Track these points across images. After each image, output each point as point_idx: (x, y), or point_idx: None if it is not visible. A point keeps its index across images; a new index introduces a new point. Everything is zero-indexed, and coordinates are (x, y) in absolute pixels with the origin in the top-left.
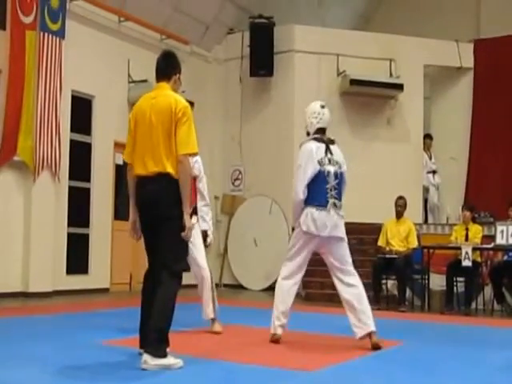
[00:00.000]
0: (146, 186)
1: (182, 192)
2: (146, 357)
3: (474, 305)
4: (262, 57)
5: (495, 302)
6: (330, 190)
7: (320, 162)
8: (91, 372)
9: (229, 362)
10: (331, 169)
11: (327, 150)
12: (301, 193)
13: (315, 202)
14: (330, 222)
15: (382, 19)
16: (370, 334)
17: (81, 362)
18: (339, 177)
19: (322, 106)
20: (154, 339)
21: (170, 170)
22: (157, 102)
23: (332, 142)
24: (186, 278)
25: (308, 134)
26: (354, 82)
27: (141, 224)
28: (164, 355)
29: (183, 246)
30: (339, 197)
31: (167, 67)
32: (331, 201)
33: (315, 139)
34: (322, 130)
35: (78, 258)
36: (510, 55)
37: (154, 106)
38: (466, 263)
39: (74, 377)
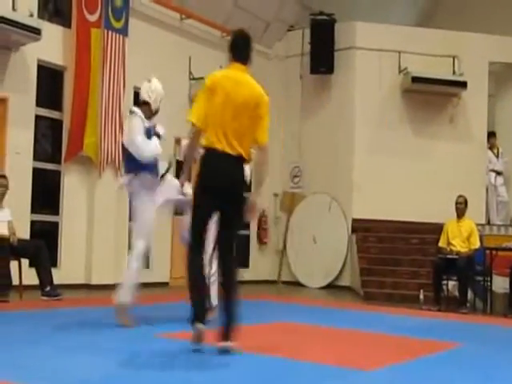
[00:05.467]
0: (226, 162)
1: (261, 176)
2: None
3: None
4: (323, 54)
5: None
6: None
7: None
8: (143, 363)
9: (285, 359)
10: None
11: None
12: None
13: None
14: None
15: (445, 15)
16: None
17: (135, 354)
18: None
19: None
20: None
21: (244, 153)
22: (245, 88)
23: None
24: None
25: None
26: (415, 79)
27: (205, 194)
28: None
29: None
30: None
31: (250, 51)
32: None
33: None
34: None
35: None
36: None
37: (242, 90)
38: None
39: (128, 367)
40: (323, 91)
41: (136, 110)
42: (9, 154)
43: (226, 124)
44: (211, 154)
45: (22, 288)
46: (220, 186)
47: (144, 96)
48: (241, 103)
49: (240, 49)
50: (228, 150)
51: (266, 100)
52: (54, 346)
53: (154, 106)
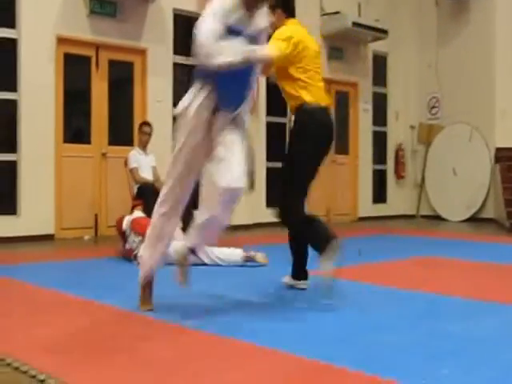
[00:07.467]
0: (329, 116)
1: None
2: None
3: None
4: None
5: None
6: None
7: None
8: (281, 301)
9: (430, 293)
10: None
11: None
12: None
13: None
14: None
15: None
16: None
17: (275, 295)
18: None
19: None
20: None
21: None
22: (313, 42)
23: None
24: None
25: None
26: None
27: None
28: None
29: None
30: None
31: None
32: None
33: None
34: None
35: (276, 191)
36: None
37: (314, 44)
38: None
39: (264, 309)
40: (461, 16)
41: None
42: (150, 102)
43: (317, 78)
44: (320, 111)
45: None
46: (329, 141)
47: None
48: (317, 57)
49: (292, 5)
50: (327, 104)
51: None
52: (199, 290)
53: None
